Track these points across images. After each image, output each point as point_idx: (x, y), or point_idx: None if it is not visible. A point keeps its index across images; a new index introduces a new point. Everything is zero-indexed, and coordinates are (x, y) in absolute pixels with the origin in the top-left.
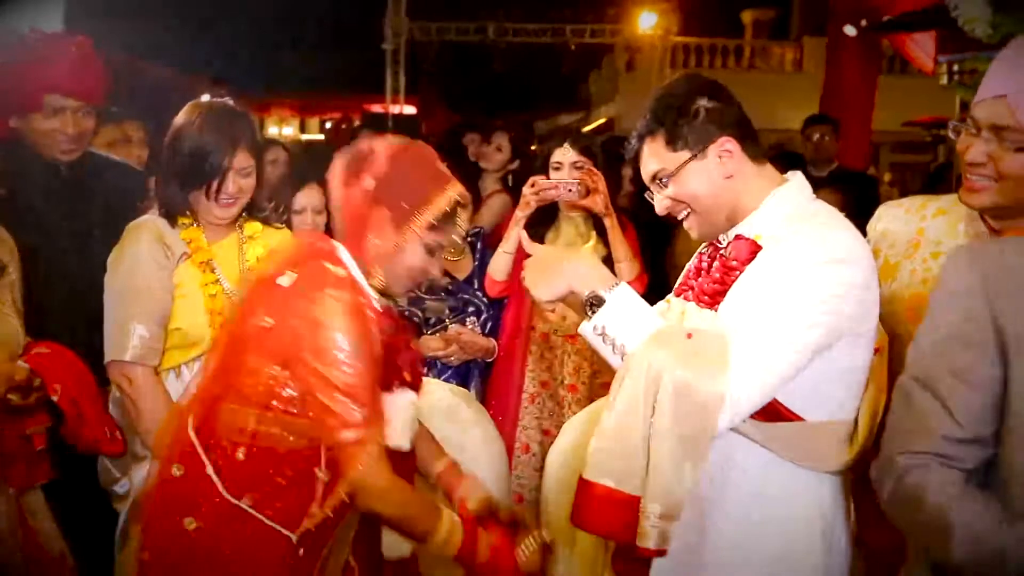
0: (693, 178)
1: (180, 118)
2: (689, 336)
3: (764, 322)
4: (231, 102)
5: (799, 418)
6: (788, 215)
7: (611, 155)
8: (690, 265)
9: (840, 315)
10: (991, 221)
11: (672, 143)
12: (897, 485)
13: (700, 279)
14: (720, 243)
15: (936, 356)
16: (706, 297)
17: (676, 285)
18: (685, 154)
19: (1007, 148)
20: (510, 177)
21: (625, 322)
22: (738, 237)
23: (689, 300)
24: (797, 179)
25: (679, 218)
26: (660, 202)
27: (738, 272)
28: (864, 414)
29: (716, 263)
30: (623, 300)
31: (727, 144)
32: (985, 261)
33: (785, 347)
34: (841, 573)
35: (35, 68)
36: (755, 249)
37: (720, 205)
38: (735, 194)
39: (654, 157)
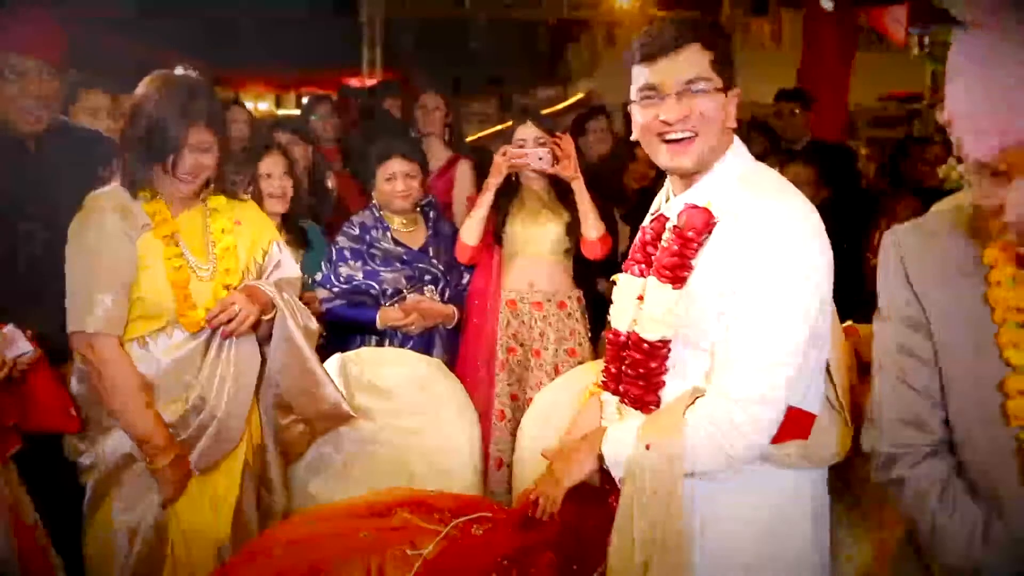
0: (716, 107)
1: (139, 90)
2: (648, 447)
3: (760, 335)
4: (193, 75)
5: (812, 415)
6: (736, 180)
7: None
8: (636, 240)
9: (820, 291)
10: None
11: (717, 64)
12: (883, 473)
13: (658, 253)
14: (667, 216)
15: (887, 337)
16: (666, 272)
17: (624, 261)
18: (719, 82)
19: None
20: (447, 132)
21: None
22: (690, 206)
23: (636, 275)
24: (736, 144)
25: (676, 137)
26: (675, 107)
27: (696, 244)
28: (840, 383)
29: (668, 235)
30: (611, 444)
31: (737, 97)
32: (901, 243)
33: (787, 353)
34: (824, 571)
35: None
36: (709, 219)
37: (714, 147)
38: (720, 145)
39: (697, 65)
